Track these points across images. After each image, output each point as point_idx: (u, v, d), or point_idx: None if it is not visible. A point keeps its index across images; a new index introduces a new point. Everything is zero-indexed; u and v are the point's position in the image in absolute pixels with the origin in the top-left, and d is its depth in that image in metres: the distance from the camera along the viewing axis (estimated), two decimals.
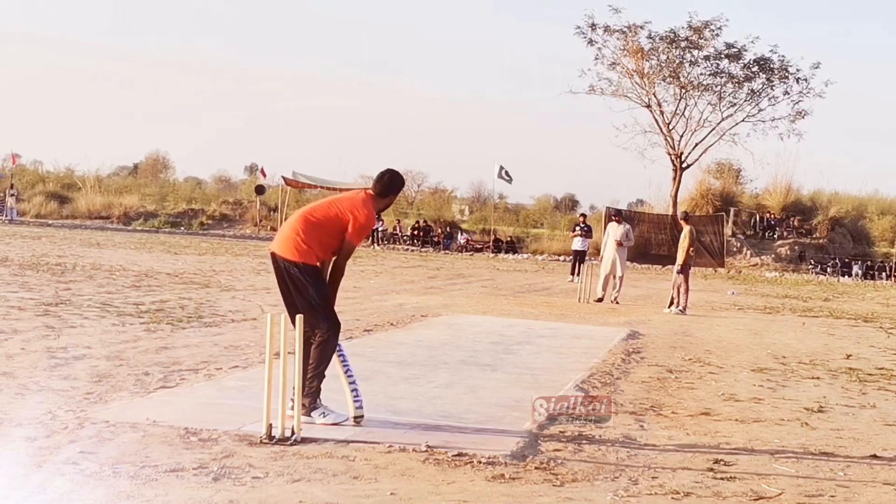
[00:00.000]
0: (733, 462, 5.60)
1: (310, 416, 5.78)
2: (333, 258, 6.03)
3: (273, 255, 5.99)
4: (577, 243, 24.31)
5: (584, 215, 28.99)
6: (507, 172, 39.23)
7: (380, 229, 40.38)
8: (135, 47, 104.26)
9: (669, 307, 16.07)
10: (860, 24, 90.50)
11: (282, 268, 5.91)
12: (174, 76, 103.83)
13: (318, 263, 5.94)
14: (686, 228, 16.31)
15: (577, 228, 24.98)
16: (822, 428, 6.83)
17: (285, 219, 39.76)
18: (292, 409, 5.58)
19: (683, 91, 40.80)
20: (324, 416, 5.80)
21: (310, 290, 5.85)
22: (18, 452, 4.82)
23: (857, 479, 5.40)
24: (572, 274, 23.92)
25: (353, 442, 5.43)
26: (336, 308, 6.04)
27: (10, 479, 4.41)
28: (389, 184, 6.13)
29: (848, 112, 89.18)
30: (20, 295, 11.90)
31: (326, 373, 5.92)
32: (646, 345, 11.12)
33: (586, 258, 23.51)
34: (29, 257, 18.88)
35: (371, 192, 6.11)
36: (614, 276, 17.43)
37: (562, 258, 37.85)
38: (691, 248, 16.07)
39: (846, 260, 38.64)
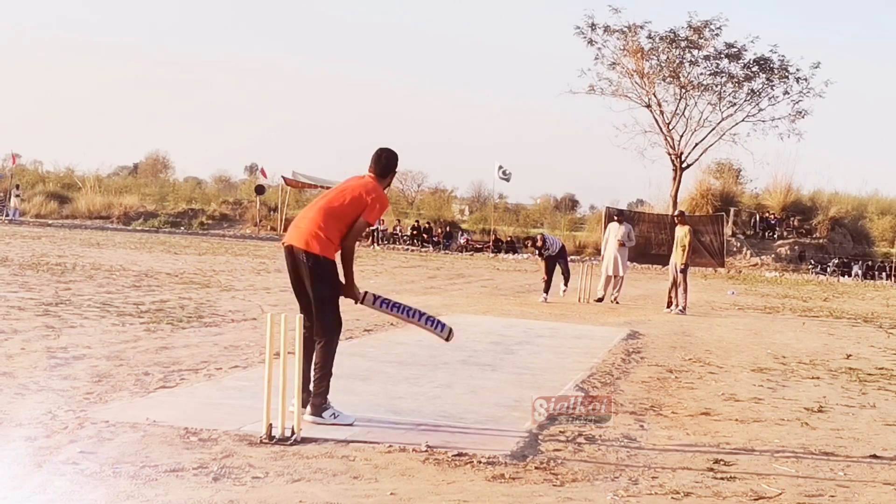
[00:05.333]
0: (733, 462, 5.60)
1: (321, 416, 5.79)
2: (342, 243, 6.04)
3: (290, 248, 5.96)
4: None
5: (538, 237, 18.37)
6: (504, 172, 39.25)
7: (380, 229, 40.40)
8: (135, 47, 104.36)
9: (668, 308, 16.07)
10: (860, 24, 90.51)
11: (299, 261, 5.91)
12: (175, 75, 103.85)
13: (335, 257, 5.97)
14: (686, 227, 16.32)
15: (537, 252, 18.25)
16: (822, 428, 6.82)
17: (285, 219, 39.66)
18: (293, 405, 5.58)
19: (683, 91, 40.86)
20: (334, 417, 5.81)
21: (325, 283, 5.87)
22: (18, 452, 4.82)
23: (857, 479, 5.40)
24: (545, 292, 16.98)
25: (353, 442, 5.43)
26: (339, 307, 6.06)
27: (10, 479, 4.41)
28: (388, 162, 6.18)
29: (848, 112, 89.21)
30: (20, 295, 11.90)
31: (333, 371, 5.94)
32: (646, 345, 11.12)
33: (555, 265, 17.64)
34: (29, 257, 18.88)
35: (372, 174, 6.13)
36: (615, 276, 17.42)
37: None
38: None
39: (846, 260, 38.63)
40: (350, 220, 5.94)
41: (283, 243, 6.10)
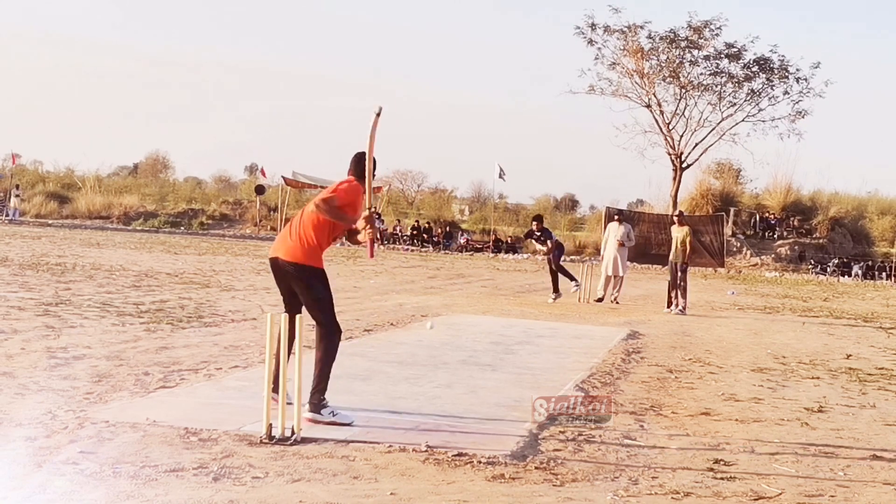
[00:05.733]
0: (733, 462, 5.60)
1: (319, 413, 5.79)
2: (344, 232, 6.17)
3: (276, 260, 6.00)
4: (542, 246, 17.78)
5: (538, 217, 18.23)
6: (501, 171, 39.32)
7: (380, 229, 40.42)
8: (136, 46, 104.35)
9: (669, 307, 16.06)
10: (860, 24, 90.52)
11: (286, 272, 5.96)
12: (175, 75, 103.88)
13: (323, 265, 5.99)
14: (686, 228, 16.33)
15: (533, 237, 17.81)
16: (822, 428, 6.82)
17: (285, 219, 39.46)
18: (290, 404, 5.58)
19: (683, 91, 40.84)
20: (333, 415, 5.82)
21: (317, 288, 5.91)
22: (18, 452, 4.82)
23: (857, 479, 5.40)
24: (555, 293, 17.03)
25: (353, 442, 5.43)
26: (336, 307, 6.08)
27: (10, 479, 4.41)
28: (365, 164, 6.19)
29: (848, 112, 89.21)
30: (20, 295, 11.90)
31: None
32: (646, 345, 11.12)
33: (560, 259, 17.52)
34: (29, 257, 18.88)
35: (352, 177, 6.16)
36: (615, 276, 17.42)
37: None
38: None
39: (846, 260, 38.64)
40: (331, 223, 5.98)
41: (270, 255, 6.11)
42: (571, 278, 17.07)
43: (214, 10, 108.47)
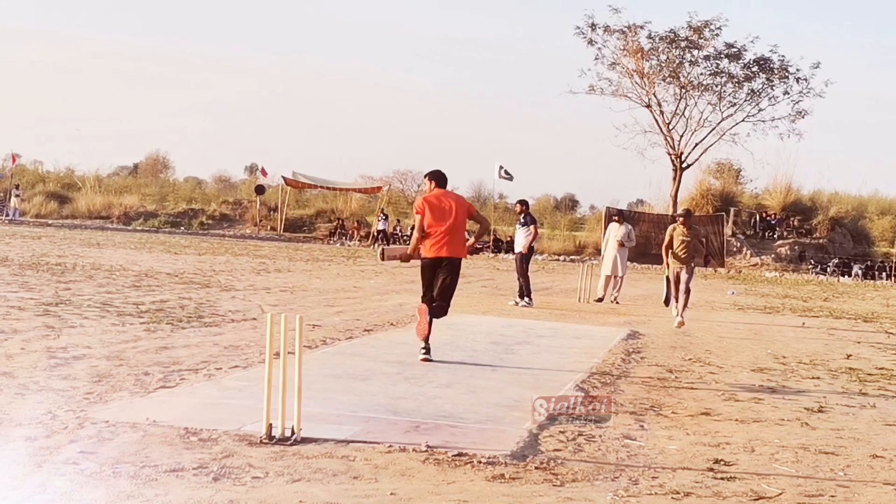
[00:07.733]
0: (733, 462, 5.59)
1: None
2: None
3: (450, 258, 8.58)
4: (520, 240, 16.85)
5: (524, 202, 17.64)
6: (506, 171, 39.27)
7: (381, 229, 40.42)
8: (136, 45, 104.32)
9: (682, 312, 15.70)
10: (860, 24, 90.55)
11: (455, 265, 8.63)
12: (175, 75, 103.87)
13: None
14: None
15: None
16: (822, 428, 6.82)
17: (285, 218, 39.18)
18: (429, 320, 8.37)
19: (683, 91, 40.85)
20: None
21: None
22: (18, 452, 4.82)
23: (857, 479, 5.40)
24: (522, 297, 16.05)
25: (353, 442, 5.43)
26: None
27: (10, 479, 4.41)
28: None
29: (848, 112, 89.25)
30: (20, 295, 11.90)
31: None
32: (646, 345, 11.12)
33: (530, 262, 16.81)
34: (29, 257, 18.88)
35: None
36: (615, 276, 17.42)
37: (562, 258, 37.84)
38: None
39: (846, 260, 38.64)
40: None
41: (441, 255, 8.61)
42: (528, 294, 15.70)
43: (215, 10, 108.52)
